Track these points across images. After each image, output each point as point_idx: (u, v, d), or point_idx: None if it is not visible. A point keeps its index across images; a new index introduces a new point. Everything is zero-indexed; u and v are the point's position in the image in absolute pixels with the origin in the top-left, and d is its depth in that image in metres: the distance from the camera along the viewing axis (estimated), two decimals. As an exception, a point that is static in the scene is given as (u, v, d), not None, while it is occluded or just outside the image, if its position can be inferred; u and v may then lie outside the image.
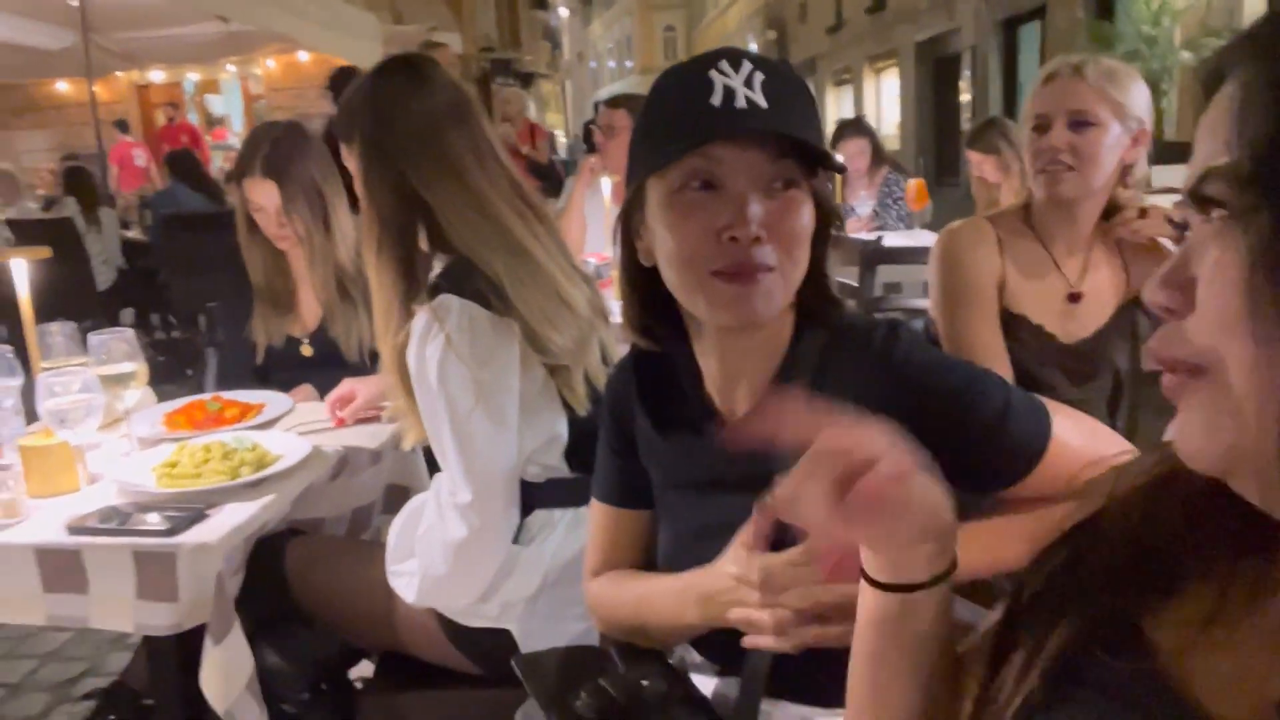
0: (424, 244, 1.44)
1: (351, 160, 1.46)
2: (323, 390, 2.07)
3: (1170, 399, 0.51)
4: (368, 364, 2.14)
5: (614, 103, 3.60)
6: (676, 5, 45.67)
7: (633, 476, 1.10)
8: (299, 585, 1.57)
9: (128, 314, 6.55)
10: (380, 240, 1.42)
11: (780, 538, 0.89)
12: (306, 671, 1.62)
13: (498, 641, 1.43)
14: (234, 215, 2.26)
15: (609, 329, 1.52)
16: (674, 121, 0.89)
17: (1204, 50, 8.83)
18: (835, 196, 4.99)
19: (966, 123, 15.70)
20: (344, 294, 2.19)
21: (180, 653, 1.48)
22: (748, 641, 0.90)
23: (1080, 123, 1.66)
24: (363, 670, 1.75)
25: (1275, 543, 0.52)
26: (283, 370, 2.25)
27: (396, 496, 1.98)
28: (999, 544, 0.84)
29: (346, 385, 1.93)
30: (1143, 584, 0.56)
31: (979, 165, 3.87)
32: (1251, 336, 0.45)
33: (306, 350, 2.25)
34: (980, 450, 0.92)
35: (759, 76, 0.87)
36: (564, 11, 50.05)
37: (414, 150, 1.39)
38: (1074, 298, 1.78)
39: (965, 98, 15.92)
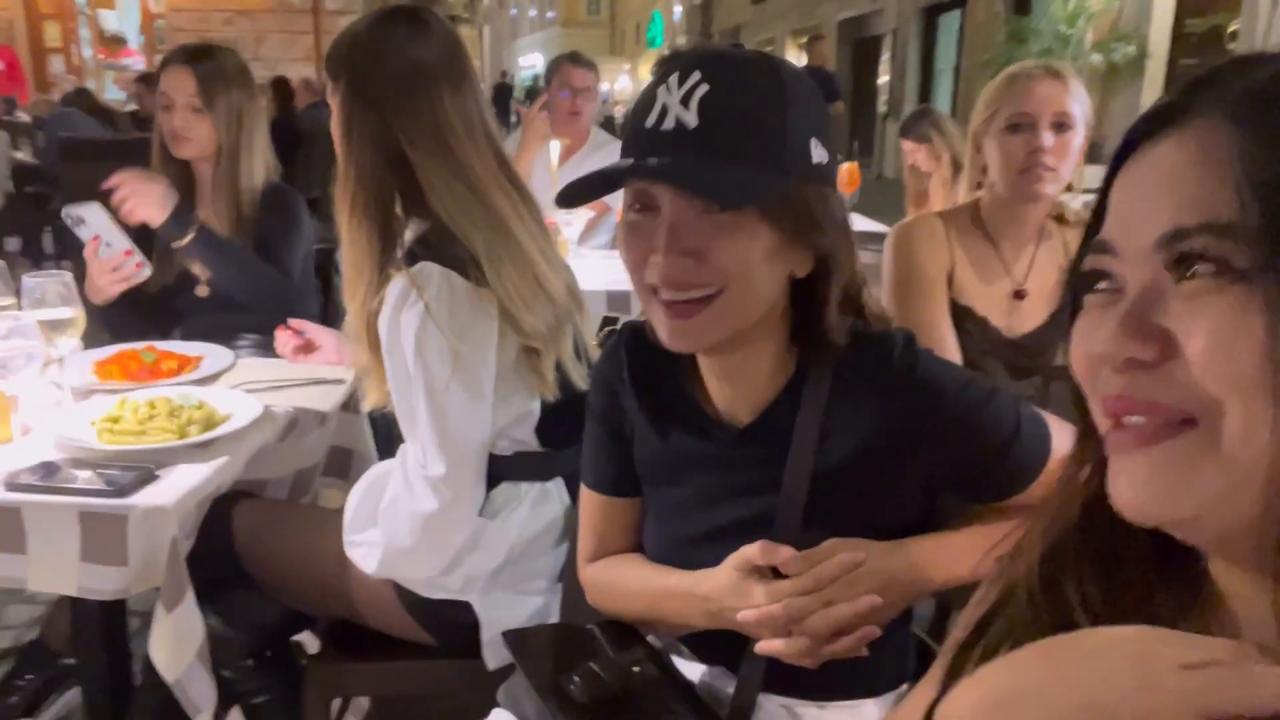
0: (399, 207, 1.39)
1: (334, 102, 1.37)
2: (212, 334, 2.02)
3: (1121, 448, 0.49)
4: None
5: (579, 60, 3.42)
6: (601, -41, 44.94)
7: (623, 465, 1.09)
8: (247, 550, 1.51)
9: (13, 241, 6.11)
10: (355, 196, 1.35)
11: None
12: (250, 637, 1.58)
13: (455, 613, 1.42)
14: (137, 144, 2.14)
15: (584, 318, 1.50)
16: (623, 140, 0.91)
17: (1113, 54, 9.21)
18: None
19: (883, 105, 16.01)
20: (242, 228, 2.11)
21: (104, 611, 1.42)
22: (763, 648, 0.91)
23: (1061, 125, 1.73)
24: (307, 637, 1.71)
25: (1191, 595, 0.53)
26: (175, 310, 2.17)
27: (339, 459, 1.94)
28: (972, 554, 0.84)
29: (317, 334, 1.90)
30: None
31: (912, 154, 3.95)
32: (1272, 396, 0.43)
33: (203, 291, 2.15)
34: (983, 467, 0.95)
35: (702, 90, 0.83)
36: (485, -46, 48.50)
37: (400, 98, 1.32)
38: (1019, 295, 1.87)
39: (883, 80, 16.21)
